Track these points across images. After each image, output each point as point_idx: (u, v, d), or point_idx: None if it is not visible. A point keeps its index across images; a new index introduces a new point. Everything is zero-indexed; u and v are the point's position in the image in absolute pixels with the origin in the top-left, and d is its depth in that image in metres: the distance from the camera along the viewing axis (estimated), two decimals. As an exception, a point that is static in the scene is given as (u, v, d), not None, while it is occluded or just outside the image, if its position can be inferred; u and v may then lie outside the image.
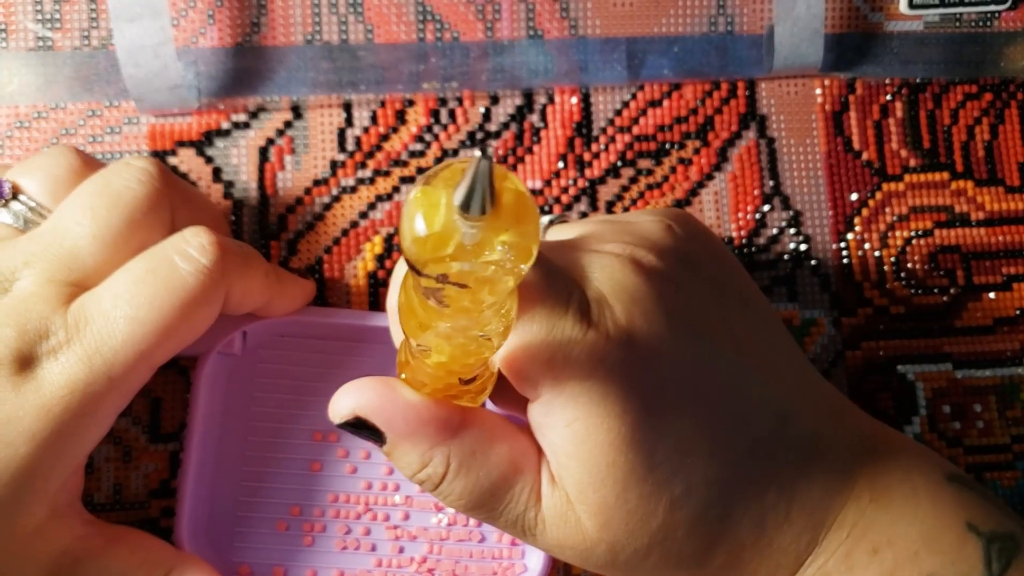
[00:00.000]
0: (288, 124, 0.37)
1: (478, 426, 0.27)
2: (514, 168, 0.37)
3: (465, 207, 0.19)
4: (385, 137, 0.37)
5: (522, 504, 0.27)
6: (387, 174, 0.37)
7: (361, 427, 0.26)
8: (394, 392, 0.26)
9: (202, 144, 0.36)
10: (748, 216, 0.38)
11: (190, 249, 0.29)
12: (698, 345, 0.27)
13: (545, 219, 0.32)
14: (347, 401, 0.26)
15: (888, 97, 0.39)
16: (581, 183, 0.37)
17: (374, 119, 0.37)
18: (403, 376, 0.26)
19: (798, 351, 0.30)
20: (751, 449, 0.27)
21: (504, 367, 0.26)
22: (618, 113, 0.38)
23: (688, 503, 0.26)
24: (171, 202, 0.30)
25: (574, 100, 0.38)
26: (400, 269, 0.28)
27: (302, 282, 0.34)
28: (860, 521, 0.28)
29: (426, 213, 0.20)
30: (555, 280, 0.25)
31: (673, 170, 0.38)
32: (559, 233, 0.30)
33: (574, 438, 0.25)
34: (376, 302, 0.36)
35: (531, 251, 0.20)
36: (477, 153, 0.18)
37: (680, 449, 0.26)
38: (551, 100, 0.38)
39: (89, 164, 0.31)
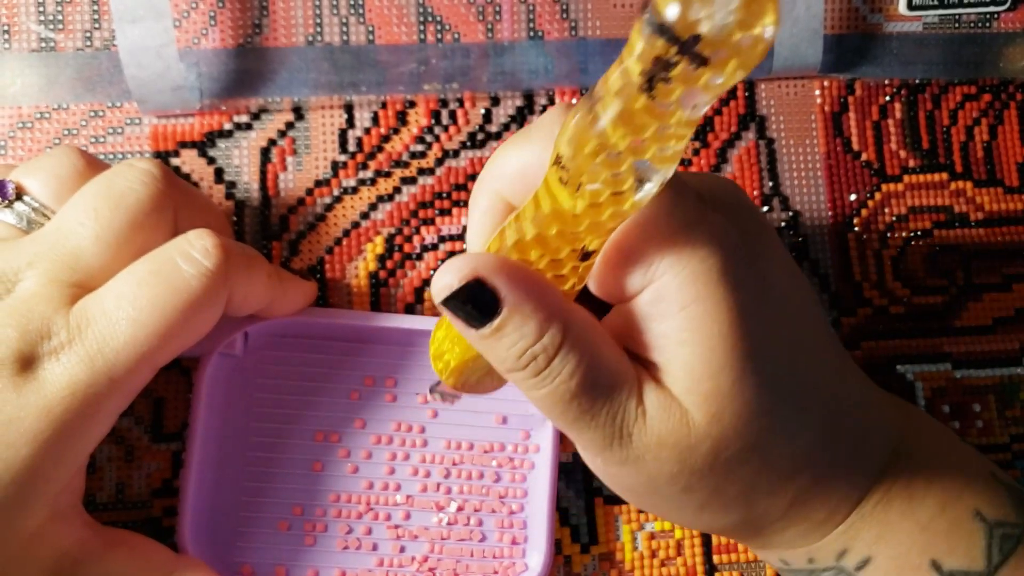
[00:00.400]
0: (290, 125, 0.37)
1: (583, 309, 0.26)
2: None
3: None
4: (386, 138, 0.37)
5: (625, 392, 0.26)
6: (388, 175, 0.37)
7: (476, 295, 0.25)
8: (512, 260, 0.25)
9: (204, 145, 0.37)
10: (748, 216, 0.38)
11: (194, 252, 0.29)
12: (788, 261, 0.28)
13: None
14: (462, 266, 0.25)
15: (887, 98, 0.39)
16: (581, 184, 0.38)
17: (375, 120, 0.37)
18: None
19: None
20: (838, 368, 0.29)
21: (614, 251, 0.26)
22: (618, 114, 0.38)
23: (791, 403, 0.27)
24: (174, 204, 0.30)
25: (575, 101, 0.38)
26: (548, 124, 0.27)
27: (304, 284, 0.34)
28: (912, 458, 0.30)
29: None
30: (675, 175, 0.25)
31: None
32: None
33: (690, 322, 0.25)
34: (378, 303, 0.36)
35: (762, 48, 0.20)
36: None
37: (793, 348, 0.27)
38: (552, 101, 0.38)
39: (93, 165, 0.31)
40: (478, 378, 0.30)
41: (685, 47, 0.20)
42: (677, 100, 0.21)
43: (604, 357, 0.26)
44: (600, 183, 0.23)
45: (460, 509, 0.35)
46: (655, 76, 0.21)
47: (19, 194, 0.30)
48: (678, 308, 0.25)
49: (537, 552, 0.34)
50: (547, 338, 0.25)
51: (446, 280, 0.25)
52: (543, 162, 0.24)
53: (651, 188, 0.23)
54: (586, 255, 0.25)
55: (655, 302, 0.26)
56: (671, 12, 0.20)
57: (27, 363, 0.27)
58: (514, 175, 0.27)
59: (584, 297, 0.27)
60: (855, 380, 0.30)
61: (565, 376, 0.25)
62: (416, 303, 0.36)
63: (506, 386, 0.35)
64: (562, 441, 0.36)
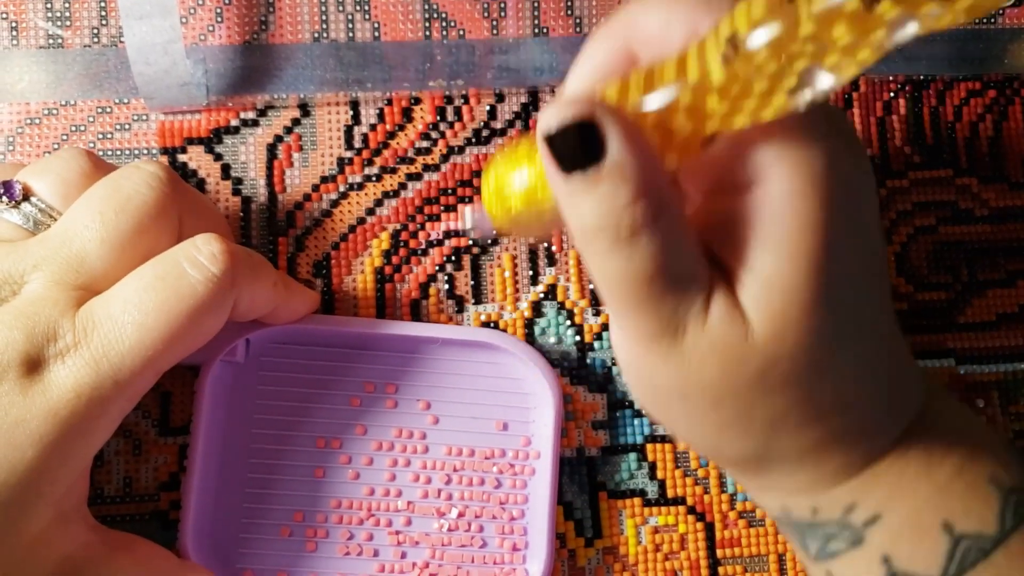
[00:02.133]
0: (296, 121, 0.37)
1: (679, 197, 0.26)
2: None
3: None
4: (392, 135, 0.37)
5: (695, 289, 0.25)
6: (394, 171, 0.37)
7: (583, 136, 0.23)
8: (628, 114, 0.24)
9: (211, 141, 0.37)
10: (752, 212, 0.38)
11: (201, 257, 0.29)
12: (876, 196, 0.27)
13: None
14: (580, 105, 0.23)
15: (891, 94, 0.39)
16: (586, 180, 0.38)
17: (381, 117, 0.37)
18: None
19: None
20: (889, 323, 0.28)
21: (731, 141, 0.24)
22: (623, 110, 0.38)
23: (854, 342, 0.27)
24: (179, 207, 0.30)
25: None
26: None
27: (308, 292, 0.34)
28: (937, 419, 0.29)
29: None
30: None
31: (677, 167, 0.38)
32: None
33: (783, 234, 0.24)
34: (383, 298, 0.36)
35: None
36: None
37: (867, 286, 0.26)
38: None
39: (100, 167, 0.31)
40: (527, 223, 0.27)
41: None
42: (894, 19, 0.20)
43: (686, 248, 0.25)
44: (765, 79, 0.22)
45: (461, 515, 0.35)
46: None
47: (26, 195, 0.30)
48: (776, 217, 0.24)
49: (537, 559, 0.35)
50: (639, 207, 0.24)
51: (561, 113, 0.23)
52: (690, 29, 0.23)
53: (813, 96, 0.22)
54: (706, 140, 0.24)
55: (756, 205, 0.25)
56: None
57: (33, 366, 0.27)
58: (653, 34, 0.25)
59: None
60: (900, 335, 0.29)
61: (644, 256, 0.24)
62: (421, 299, 0.37)
63: (507, 392, 0.35)
64: (563, 438, 0.36)
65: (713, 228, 0.26)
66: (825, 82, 0.22)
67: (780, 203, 0.24)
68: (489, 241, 0.37)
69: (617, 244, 0.24)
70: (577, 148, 0.23)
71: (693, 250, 0.25)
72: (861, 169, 0.26)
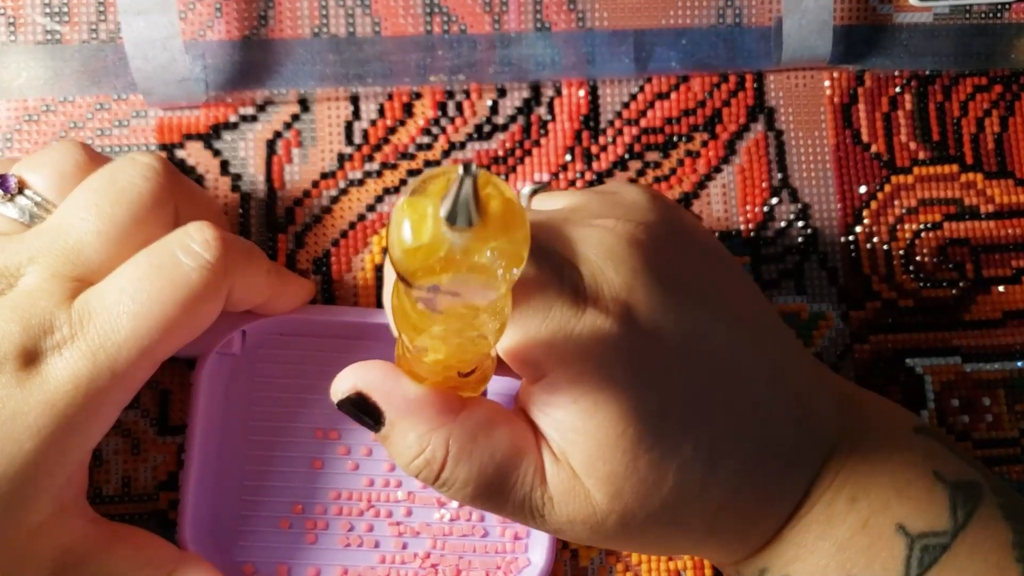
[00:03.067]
0: (295, 117, 0.37)
1: (477, 411, 0.27)
2: (521, 161, 0.37)
3: (451, 220, 0.19)
4: (392, 130, 0.37)
5: (528, 485, 0.27)
6: (394, 167, 0.37)
7: (360, 406, 0.26)
8: (396, 374, 0.27)
9: (210, 137, 0.37)
10: (756, 209, 0.38)
11: (193, 244, 0.28)
12: (695, 312, 0.27)
13: (527, 188, 0.32)
14: (349, 378, 0.27)
15: (897, 89, 0.39)
16: (588, 176, 0.37)
17: (381, 112, 0.37)
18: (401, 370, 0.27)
19: (777, 315, 0.31)
20: (749, 411, 0.28)
21: (506, 358, 0.26)
22: (626, 106, 0.38)
23: (697, 466, 0.27)
24: (175, 198, 0.30)
25: (581, 93, 0.38)
26: (391, 269, 0.28)
27: (303, 281, 0.34)
28: (840, 472, 0.29)
29: (414, 224, 0.20)
30: (545, 263, 0.26)
31: (681, 163, 0.38)
32: (543, 203, 0.31)
33: (582, 413, 0.26)
34: (383, 296, 0.36)
35: (521, 256, 0.20)
36: (461, 169, 0.19)
37: (685, 414, 0.27)
38: (558, 93, 0.38)
39: (95, 159, 0.31)
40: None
41: (434, 290, 0.20)
42: (463, 308, 0.22)
43: (501, 453, 0.26)
44: (443, 348, 0.24)
45: (462, 505, 0.35)
46: (424, 301, 0.21)
47: (21, 188, 0.30)
48: (570, 401, 0.26)
49: (540, 547, 0.34)
50: (428, 452, 0.26)
51: (337, 387, 0.27)
52: None
53: (496, 332, 0.24)
54: (469, 373, 0.26)
55: (549, 393, 0.26)
56: (404, 273, 0.20)
57: (30, 358, 0.27)
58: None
59: None
60: (792, 391, 0.29)
61: (460, 485, 0.26)
62: (422, 296, 0.36)
63: (507, 379, 0.35)
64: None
65: (533, 406, 0.27)
66: (492, 331, 0.23)
67: (571, 392, 0.26)
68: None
69: (433, 484, 0.27)
70: (360, 414, 0.26)
71: (511, 447, 0.27)
72: (649, 308, 0.26)
